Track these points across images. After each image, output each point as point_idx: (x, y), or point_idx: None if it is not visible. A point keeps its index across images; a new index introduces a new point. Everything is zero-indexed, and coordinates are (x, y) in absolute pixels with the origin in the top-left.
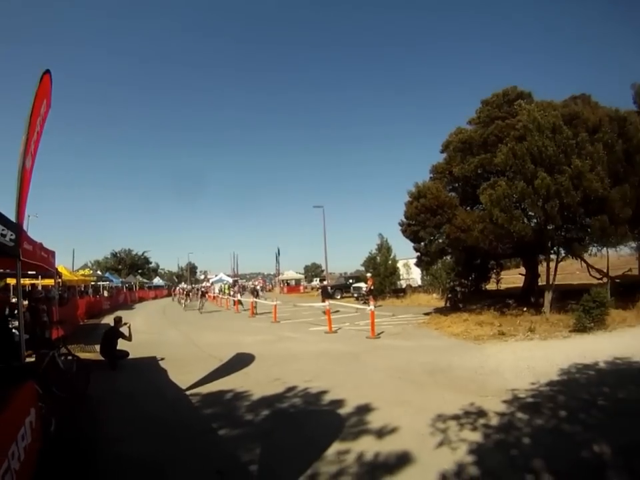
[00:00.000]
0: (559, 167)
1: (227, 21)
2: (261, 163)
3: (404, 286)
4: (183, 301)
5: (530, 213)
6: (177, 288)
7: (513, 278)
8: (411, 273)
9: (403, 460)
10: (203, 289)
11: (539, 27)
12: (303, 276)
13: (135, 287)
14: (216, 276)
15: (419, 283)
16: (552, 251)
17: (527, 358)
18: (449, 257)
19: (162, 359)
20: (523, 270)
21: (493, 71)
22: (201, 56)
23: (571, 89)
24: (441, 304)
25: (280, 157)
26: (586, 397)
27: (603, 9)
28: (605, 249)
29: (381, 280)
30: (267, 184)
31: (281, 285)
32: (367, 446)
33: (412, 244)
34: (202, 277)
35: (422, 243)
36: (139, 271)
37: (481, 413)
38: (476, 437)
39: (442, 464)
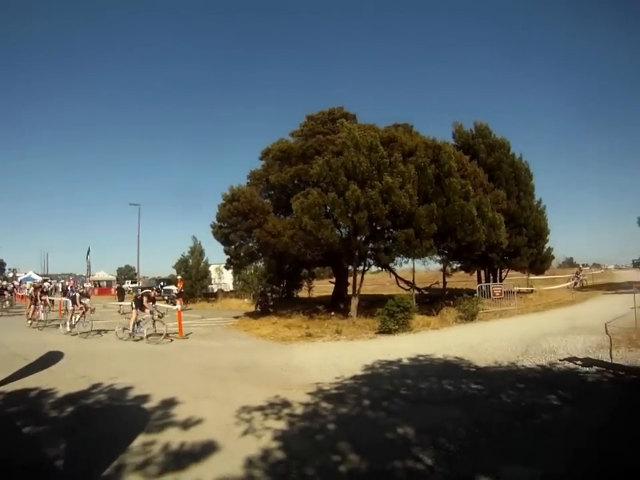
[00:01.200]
0: (371, 181)
1: None
2: (74, 160)
3: (215, 290)
4: None
5: (340, 223)
6: None
7: (325, 287)
8: (222, 277)
9: (208, 448)
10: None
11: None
12: (115, 277)
13: None
14: (25, 274)
15: (231, 287)
16: (362, 262)
17: (333, 356)
18: (260, 263)
19: None
20: (334, 279)
21: (325, 92)
22: None
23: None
24: (252, 308)
25: (99, 152)
26: (389, 388)
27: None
28: (412, 262)
29: (192, 283)
30: (81, 180)
31: (92, 286)
32: (173, 437)
33: (223, 247)
34: (10, 274)
35: (232, 246)
36: None
37: (286, 404)
38: (281, 425)
39: (247, 450)
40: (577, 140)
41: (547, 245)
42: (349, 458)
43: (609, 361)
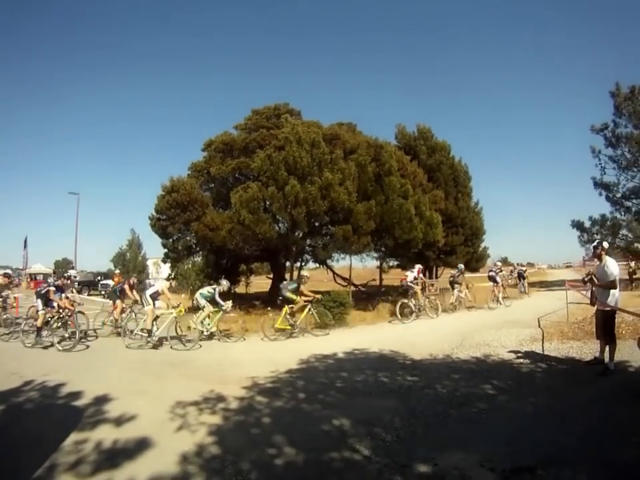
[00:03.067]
0: (311, 177)
1: None
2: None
3: (153, 284)
4: None
5: (279, 218)
6: None
7: (263, 282)
8: (160, 272)
9: (142, 445)
10: None
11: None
12: (52, 270)
13: None
14: None
15: None
16: (299, 258)
17: (268, 351)
18: (198, 258)
19: None
20: (272, 275)
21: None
22: None
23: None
24: (189, 304)
25: (33, 146)
26: (325, 381)
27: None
28: (350, 258)
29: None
30: (13, 167)
31: (28, 280)
32: (106, 434)
33: (160, 240)
34: None
35: (170, 240)
36: None
37: (221, 398)
38: (216, 420)
39: (182, 446)
40: (514, 143)
41: (482, 245)
42: (284, 451)
43: (542, 353)
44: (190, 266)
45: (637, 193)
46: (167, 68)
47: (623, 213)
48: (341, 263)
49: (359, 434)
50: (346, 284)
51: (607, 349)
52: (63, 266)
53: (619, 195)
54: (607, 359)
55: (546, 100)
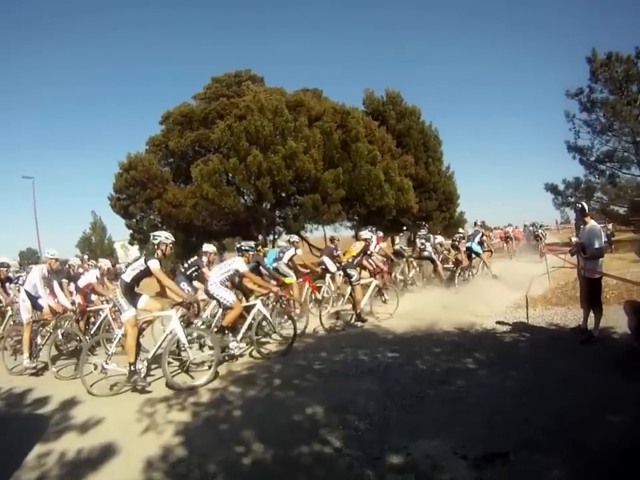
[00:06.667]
0: (275, 146)
1: None
2: None
3: (123, 269)
4: None
5: (243, 190)
6: None
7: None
8: (129, 255)
9: (107, 452)
10: None
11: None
12: (17, 262)
13: None
14: None
15: None
16: (271, 231)
17: None
18: None
19: None
20: None
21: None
22: None
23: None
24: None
25: None
26: (302, 363)
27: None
28: (323, 229)
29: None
30: None
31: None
32: (70, 444)
33: (124, 220)
34: None
35: (134, 220)
36: None
37: (192, 391)
38: (184, 417)
39: (147, 450)
40: (488, 109)
41: (458, 209)
42: (252, 448)
43: (525, 321)
44: None
45: (611, 157)
46: (122, 39)
47: (597, 176)
48: (316, 234)
49: (331, 423)
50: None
51: (592, 315)
52: (28, 257)
53: (593, 159)
54: (590, 326)
55: (520, 64)
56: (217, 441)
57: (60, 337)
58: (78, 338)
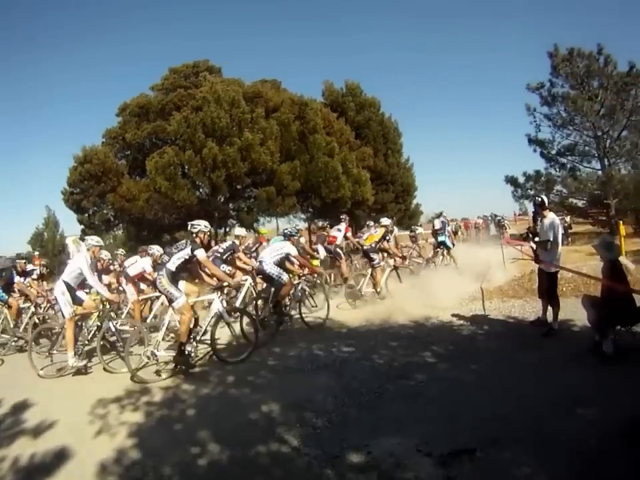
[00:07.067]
0: (231, 138)
1: None
2: None
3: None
4: None
5: (198, 183)
6: None
7: None
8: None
9: (61, 457)
10: None
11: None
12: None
13: None
14: None
15: None
16: (224, 224)
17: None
18: (120, 232)
19: None
20: None
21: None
22: None
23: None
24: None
25: None
26: (256, 359)
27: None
28: (276, 221)
29: (50, 259)
30: None
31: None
32: (22, 449)
33: (75, 215)
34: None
35: (86, 214)
36: None
37: (144, 391)
38: (137, 417)
39: (100, 454)
40: (449, 99)
41: (414, 201)
42: (208, 449)
43: (482, 313)
44: (111, 240)
45: (572, 150)
46: (82, 28)
47: (557, 169)
48: (267, 225)
49: (288, 421)
50: None
51: (551, 308)
52: None
53: (553, 152)
54: (550, 319)
55: (481, 54)
56: (172, 441)
57: (112, 328)
58: (131, 326)
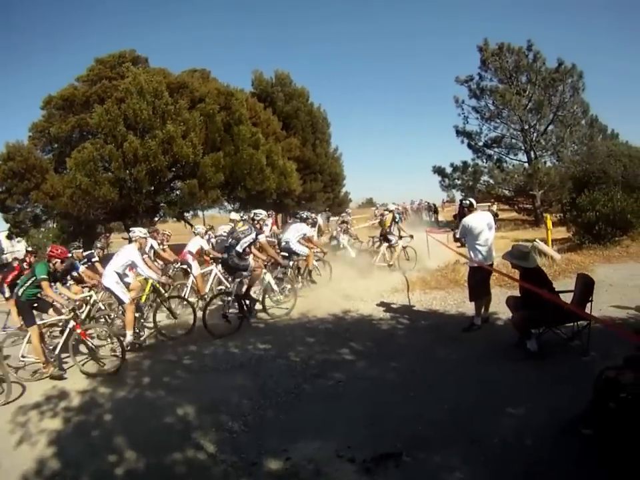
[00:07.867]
0: (153, 131)
1: None
2: None
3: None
4: None
5: (121, 177)
6: None
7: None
8: (14, 245)
9: None
10: None
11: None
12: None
13: None
14: None
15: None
16: (151, 216)
17: None
18: (53, 225)
19: None
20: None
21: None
22: None
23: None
24: None
25: None
26: (172, 358)
27: None
28: (202, 213)
29: None
30: None
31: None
32: None
33: (1, 214)
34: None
35: (11, 213)
36: None
37: (63, 395)
38: (56, 424)
39: (22, 465)
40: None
41: (343, 190)
42: (125, 456)
43: (404, 305)
44: (47, 234)
45: (499, 142)
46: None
47: (484, 160)
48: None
49: (203, 425)
50: None
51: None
52: None
53: (481, 143)
54: (472, 313)
55: (412, 44)
56: (90, 449)
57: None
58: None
